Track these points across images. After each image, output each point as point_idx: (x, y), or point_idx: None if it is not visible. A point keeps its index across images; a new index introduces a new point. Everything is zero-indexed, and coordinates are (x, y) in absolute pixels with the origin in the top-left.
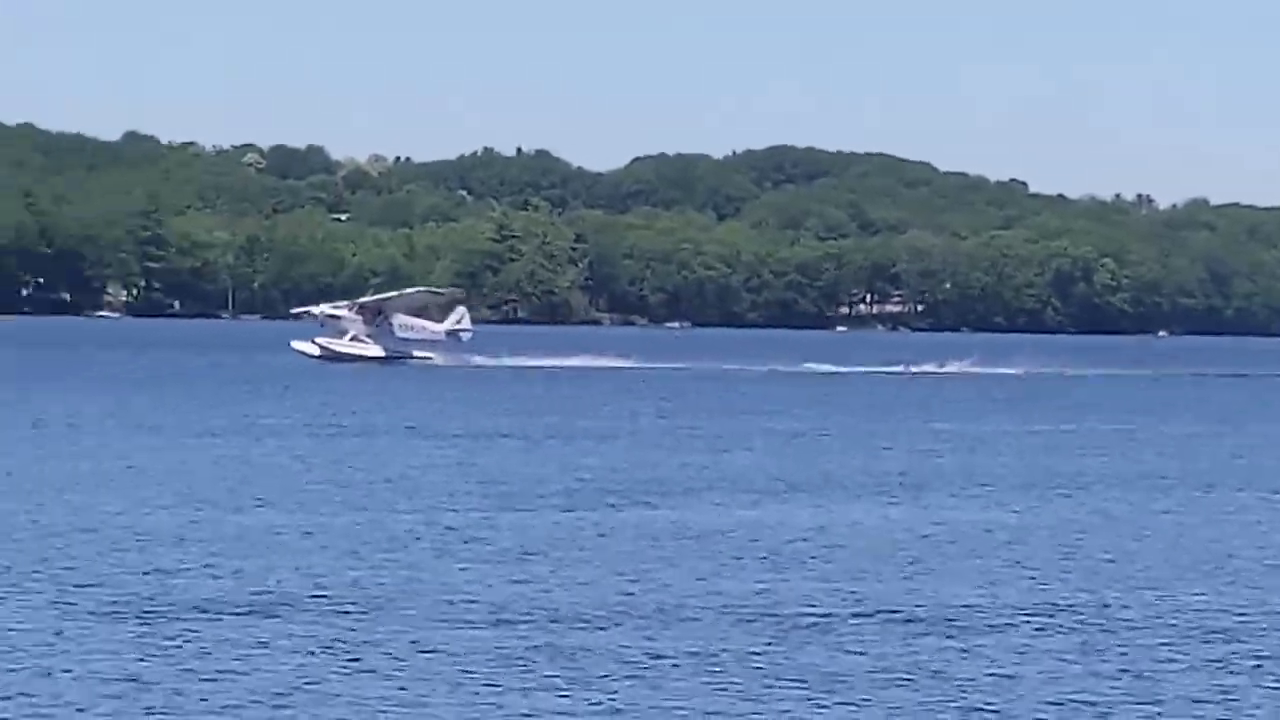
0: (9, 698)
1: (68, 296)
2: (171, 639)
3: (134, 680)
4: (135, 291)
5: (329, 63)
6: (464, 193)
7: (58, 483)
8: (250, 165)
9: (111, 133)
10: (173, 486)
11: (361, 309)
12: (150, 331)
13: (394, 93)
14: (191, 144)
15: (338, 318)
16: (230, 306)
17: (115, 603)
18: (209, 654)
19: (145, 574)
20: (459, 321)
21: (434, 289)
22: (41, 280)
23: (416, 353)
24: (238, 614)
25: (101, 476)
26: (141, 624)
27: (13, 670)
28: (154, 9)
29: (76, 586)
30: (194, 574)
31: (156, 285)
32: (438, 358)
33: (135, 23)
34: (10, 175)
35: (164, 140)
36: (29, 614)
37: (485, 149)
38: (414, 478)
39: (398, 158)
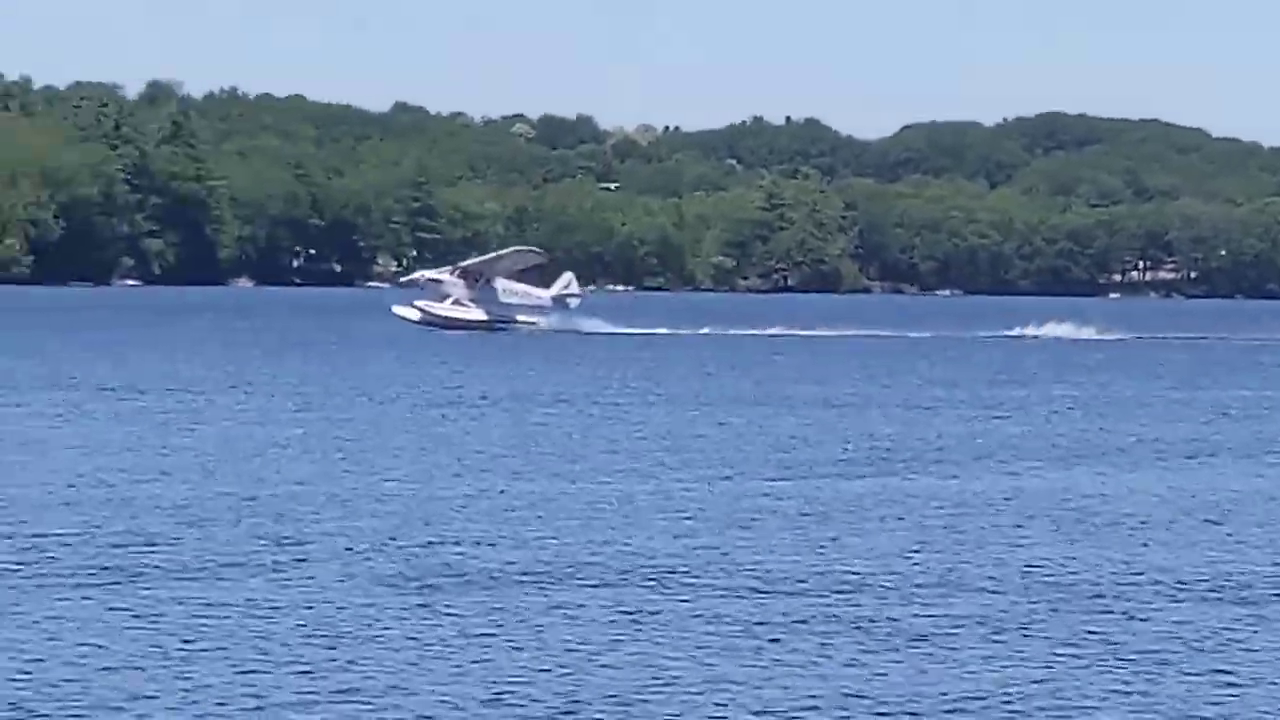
0: (298, 670)
1: (338, 267)
2: (455, 609)
3: (419, 650)
4: (405, 262)
5: (597, 32)
6: (733, 162)
7: (342, 453)
8: (519, 135)
9: (380, 104)
10: (457, 455)
11: (463, 273)
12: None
13: (662, 62)
14: (460, 114)
15: (439, 282)
16: None
17: (399, 574)
18: (494, 623)
19: (430, 544)
20: (566, 287)
21: (528, 248)
22: (312, 251)
23: (520, 317)
24: (522, 583)
25: (385, 446)
26: (424, 594)
27: (299, 641)
28: None
29: (363, 557)
30: (478, 544)
31: (427, 255)
32: (543, 323)
33: None
34: (281, 147)
35: (432, 111)
36: (317, 585)
37: (754, 118)
38: (692, 446)
39: (666, 127)
